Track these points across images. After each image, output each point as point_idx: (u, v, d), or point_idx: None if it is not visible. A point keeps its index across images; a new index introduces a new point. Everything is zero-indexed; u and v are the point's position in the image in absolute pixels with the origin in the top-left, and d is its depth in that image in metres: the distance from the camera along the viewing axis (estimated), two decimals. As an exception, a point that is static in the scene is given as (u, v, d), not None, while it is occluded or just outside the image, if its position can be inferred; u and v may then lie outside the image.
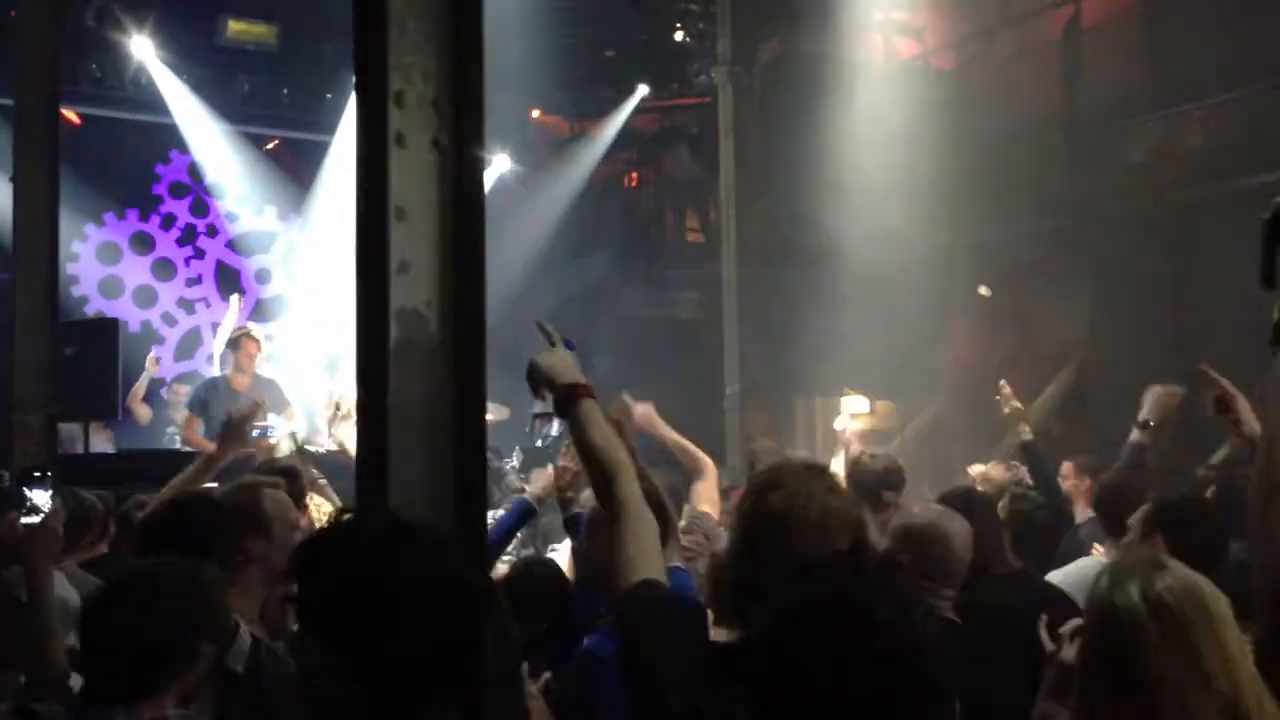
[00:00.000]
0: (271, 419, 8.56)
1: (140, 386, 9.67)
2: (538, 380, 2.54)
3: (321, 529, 1.78)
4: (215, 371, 9.63)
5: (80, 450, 7.69)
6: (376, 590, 1.67)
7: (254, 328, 9.29)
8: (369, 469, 2.39)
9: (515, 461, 9.12)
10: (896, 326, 9.41)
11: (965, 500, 3.89)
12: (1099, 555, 4.45)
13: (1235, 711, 2.05)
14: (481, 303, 2.41)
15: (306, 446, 8.01)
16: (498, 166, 11.85)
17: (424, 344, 2.32)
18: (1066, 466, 5.83)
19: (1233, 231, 8.47)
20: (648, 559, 2.21)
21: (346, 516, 1.86)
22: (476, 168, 2.49)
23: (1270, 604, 2.24)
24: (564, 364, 2.53)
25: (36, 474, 3.14)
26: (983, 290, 10.01)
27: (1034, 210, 9.43)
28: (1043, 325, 9.27)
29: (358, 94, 2.45)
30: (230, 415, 4.86)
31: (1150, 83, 9.11)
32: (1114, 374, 9.50)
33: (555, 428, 2.55)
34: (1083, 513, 5.49)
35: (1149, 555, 2.73)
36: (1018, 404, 5.95)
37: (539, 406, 2.61)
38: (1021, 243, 9.58)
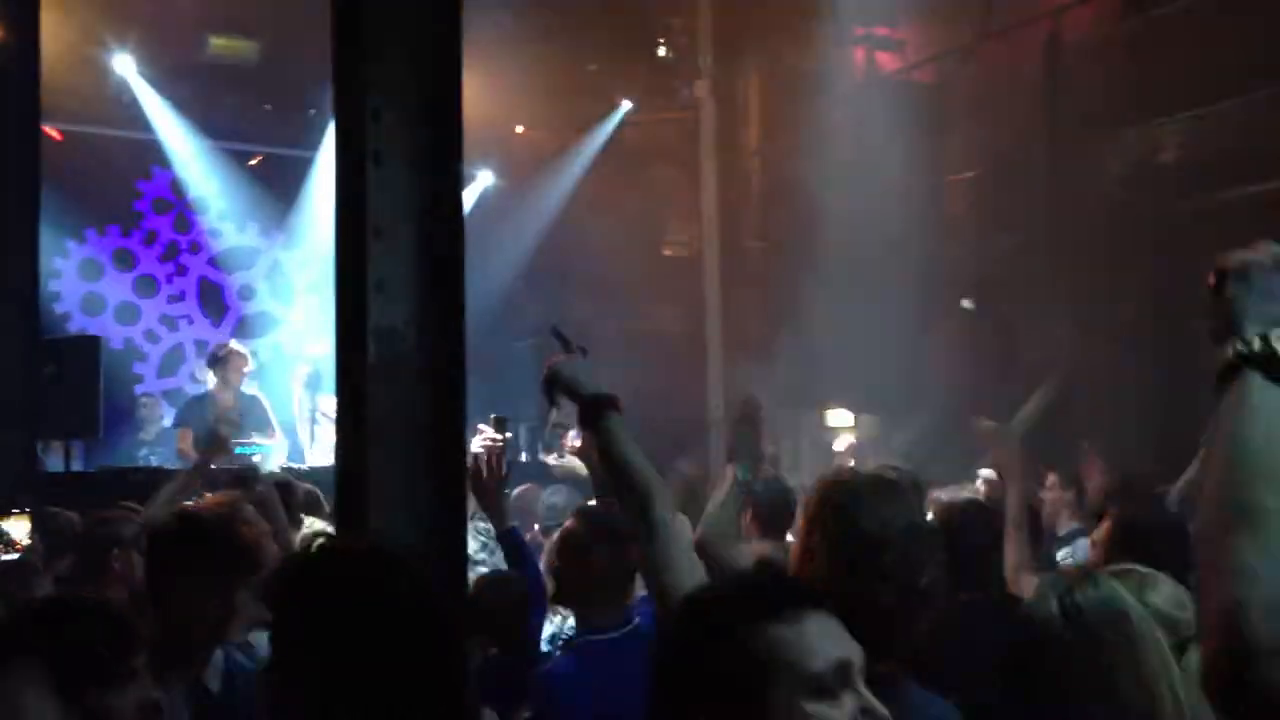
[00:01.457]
0: (256, 438, 8.57)
1: None
2: (558, 388, 2.50)
3: (296, 555, 1.75)
4: (204, 385, 9.62)
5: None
6: (351, 618, 1.65)
7: (238, 345, 9.30)
8: (348, 487, 2.38)
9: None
10: (880, 340, 9.43)
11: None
12: None
13: None
14: (461, 320, 2.41)
15: (291, 465, 8.01)
16: (481, 181, 11.86)
17: (403, 362, 2.32)
18: (1050, 478, 5.84)
19: (1212, 245, 8.54)
20: (685, 576, 2.22)
21: (320, 542, 1.83)
22: (455, 185, 2.49)
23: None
24: (585, 373, 2.50)
25: (14, 510, 3.11)
26: (965, 303, 10.04)
27: (1017, 223, 9.48)
28: (1027, 337, 9.29)
29: (335, 111, 2.45)
30: (211, 425, 4.88)
31: (1130, 96, 9.16)
32: (1096, 387, 9.55)
33: (573, 437, 2.60)
34: (1066, 524, 5.50)
35: (1079, 568, 2.75)
36: (989, 423, 5.94)
37: (555, 416, 2.57)
38: (1004, 255, 9.62)
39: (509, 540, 4.20)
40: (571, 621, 3.78)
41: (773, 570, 1.71)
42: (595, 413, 2.44)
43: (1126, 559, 3.29)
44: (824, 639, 1.62)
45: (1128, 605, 2.21)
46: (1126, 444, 9.00)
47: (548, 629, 4.12)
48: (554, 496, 6.21)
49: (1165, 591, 2.24)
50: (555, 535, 3.82)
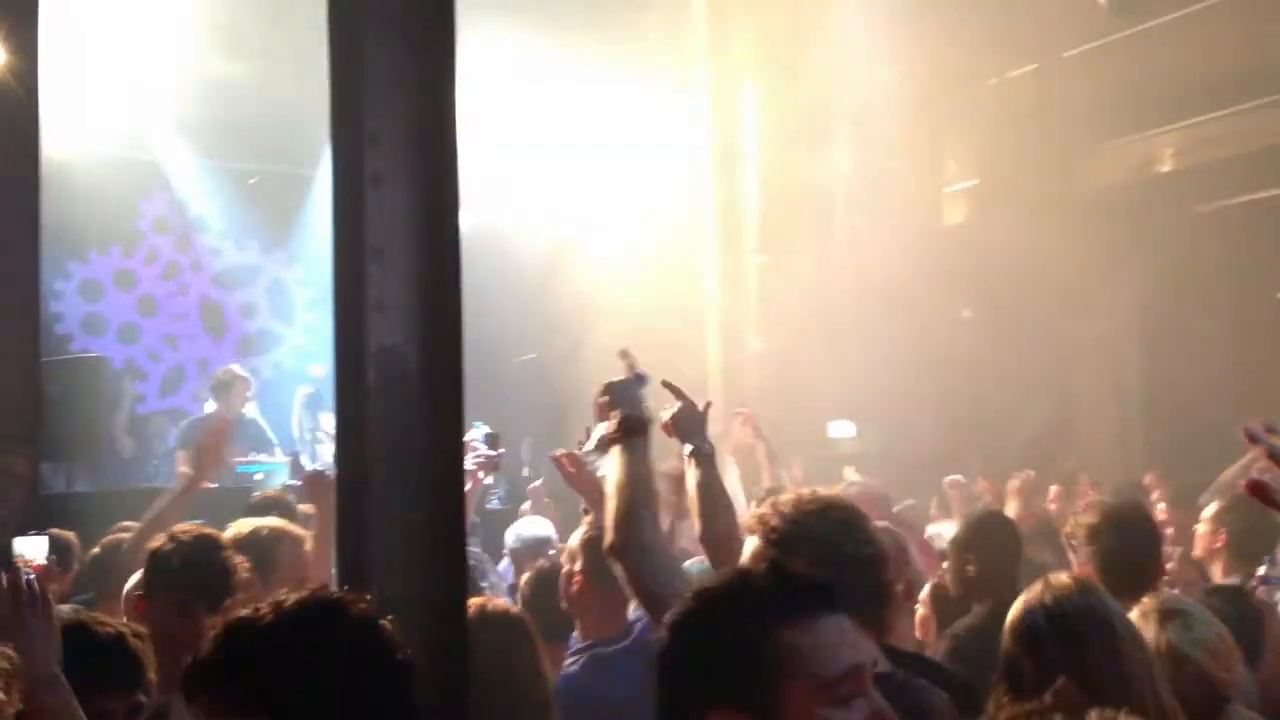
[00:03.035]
0: (260, 457, 8.60)
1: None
2: (615, 404, 2.75)
3: (244, 614, 1.71)
4: (203, 407, 9.66)
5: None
6: (298, 681, 1.63)
7: (240, 370, 9.35)
8: (348, 508, 2.39)
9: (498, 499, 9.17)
10: (882, 351, 9.45)
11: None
12: None
13: None
14: (459, 340, 2.42)
15: (292, 484, 8.03)
16: (479, 199, 11.87)
17: (402, 382, 2.33)
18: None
19: (1207, 252, 8.56)
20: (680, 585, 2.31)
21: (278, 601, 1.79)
22: (453, 206, 2.51)
23: None
24: (635, 393, 2.81)
25: (31, 532, 3.11)
26: (965, 314, 10.06)
27: (1014, 235, 9.49)
28: (1022, 348, 9.30)
29: (333, 134, 2.46)
30: (202, 440, 4.89)
31: (1124, 107, 9.19)
32: (1095, 402, 9.56)
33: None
34: None
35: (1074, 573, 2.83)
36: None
37: (599, 430, 2.80)
38: (1008, 264, 9.64)
39: None
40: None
41: (784, 571, 1.71)
42: (632, 430, 2.68)
43: None
44: (838, 643, 1.63)
45: (1109, 611, 2.27)
46: (1116, 448, 9.03)
47: None
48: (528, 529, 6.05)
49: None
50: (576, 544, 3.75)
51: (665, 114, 11.24)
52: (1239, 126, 8.54)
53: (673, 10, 10.51)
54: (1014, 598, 3.60)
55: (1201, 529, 4.45)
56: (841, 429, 10.10)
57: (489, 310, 9.76)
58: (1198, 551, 4.47)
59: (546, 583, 3.97)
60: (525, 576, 4.28)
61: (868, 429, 9.75)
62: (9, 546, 3.24)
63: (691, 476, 3.11)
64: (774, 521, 2.32)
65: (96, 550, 4.74)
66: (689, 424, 3.11)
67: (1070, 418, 9.76)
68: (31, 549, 3.13)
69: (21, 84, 5.04)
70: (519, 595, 4.22)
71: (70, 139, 9.72)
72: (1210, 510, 4.47)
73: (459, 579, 2.42)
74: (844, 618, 1.65)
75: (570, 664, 3.52)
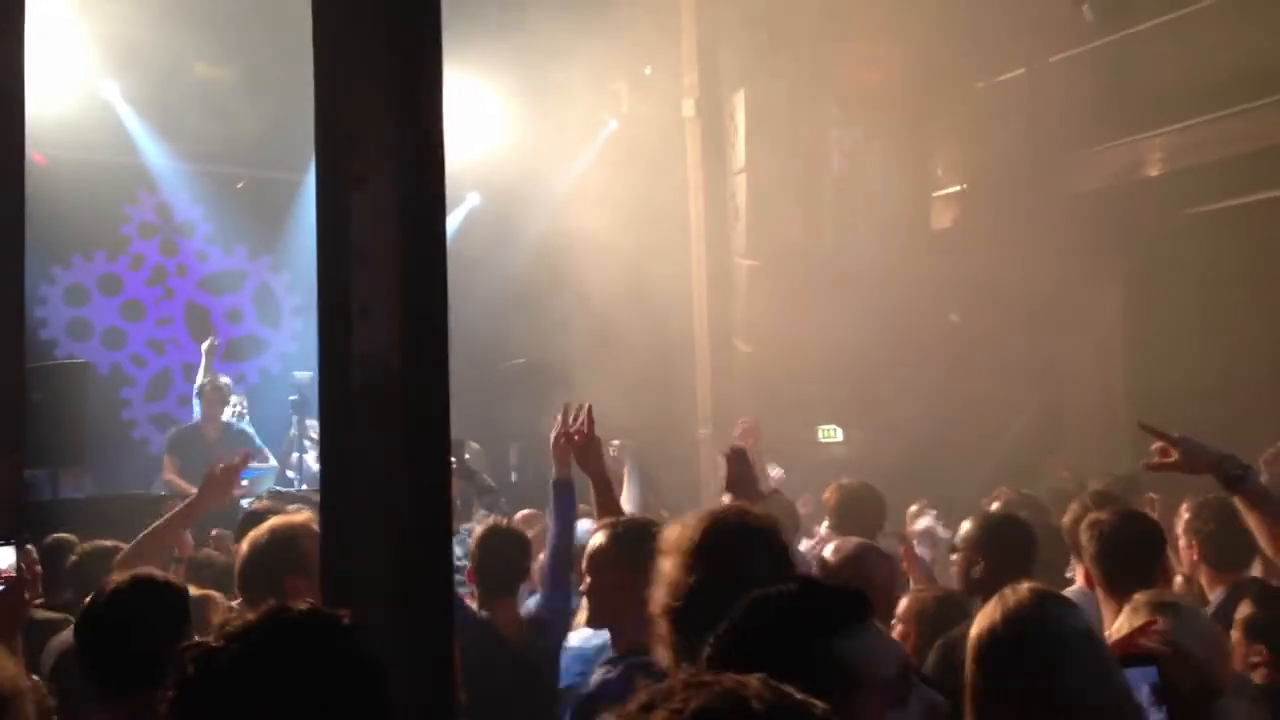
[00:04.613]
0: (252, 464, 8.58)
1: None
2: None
3: (199, 641, 1.70)
4: (190, 412, 9.65)
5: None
6: (258, 699, 1.64)
7: (220, 378, 9.35)
8: (332, 512, 2.37)
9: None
10: (868, 355, 9.46)
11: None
12: None
13: None
14: (445, 345, 2.41)
15: (279, 490, 8.02)
16: (466, 203, 11.88)
17: (387, 388, 2.31)
18: None
19: (1192, 257, 8.59)
20: None
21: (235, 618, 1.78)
22: (438, 209, 2.50)
23: None
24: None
25: (6, 540, 3.08)
26: (953, 318, 10.08)
27: (1007, 237, 9.52)
28: (1009, 352, 9.33)
29: (317, 137, 2.45)
30: (214, 467, 4.87)
31: (1110, 111, 9.22)
32: (1082, 403, 9.58)
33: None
34: None
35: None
36: None
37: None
38: (993, 269, 9.66)
39: None
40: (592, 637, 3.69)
41: (817, 584, 1.74)
42: None
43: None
44: (886, 645, 1.72)
45: (1051, 626, 2.28)
46: (1103, 449, 9.04)
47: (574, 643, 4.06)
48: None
49: None
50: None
51: (652, 117, 11.27)
52: (1225, 130, 8.57)
53: (661, 14, 10.51)
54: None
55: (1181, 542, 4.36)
56: (828, 433, 10.12)
57: (476, 314, 9.78)
58: (1184, 569, 4.41)
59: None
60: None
61: (855, 433, 9.77)
62: None
63: None
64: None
65: (75, 557, 4.72)
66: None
67: (1057, 420, 9.79)
68: (1, 558, 3.10)
69: (6, 87, 5.01)
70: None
71: (55, 142, 9.69)
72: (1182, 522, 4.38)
73: (445, 582, 2.41)
74: (879, 623, 1.73)
75: (608, 673, 3.41)
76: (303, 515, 3.77)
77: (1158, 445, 3.62)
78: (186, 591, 3.00)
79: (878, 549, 3.70)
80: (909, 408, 9.10)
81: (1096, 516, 3.71)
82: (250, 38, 10.26)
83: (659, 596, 2.40)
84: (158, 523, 4.70)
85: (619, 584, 3.39)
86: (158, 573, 3.10)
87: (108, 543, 4.90)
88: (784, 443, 9.40)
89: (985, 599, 3.81)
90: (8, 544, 3.09)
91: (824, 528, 5.79)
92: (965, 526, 4.04)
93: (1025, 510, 4.99)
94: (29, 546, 3.29)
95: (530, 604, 4.33)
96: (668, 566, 2.42)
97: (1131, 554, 3.55)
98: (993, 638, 2.28)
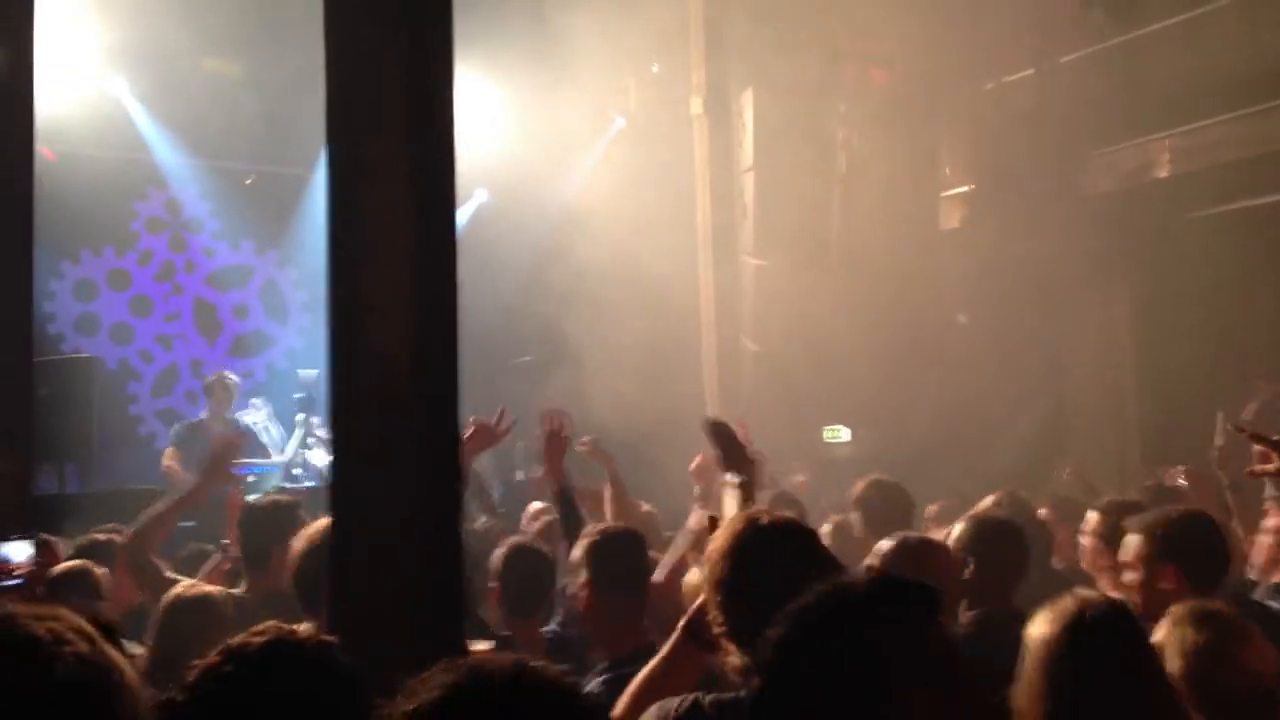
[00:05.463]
0: (256, 460, 8.59)
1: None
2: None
3: (206, 661, 1.73)
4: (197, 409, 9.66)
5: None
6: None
7: (228, 374, 9.35)
8: (342, 509, 2.37)
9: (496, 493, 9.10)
10: (876, 355, 9.45)
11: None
12: None
13: None
14: (454, 341, 2.41)
15: (285, 486, 8.03)
16: (475, 199, 11.88)
17: (396, 384, 2.31)
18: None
19: (1201, 259, 8.56)
20: None
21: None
22: (448, 205, 2.49)
23: None
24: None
25: (14, 536, 3.09)
26: (961, 318, 10.06)
27: (1015, 237, 9.50)
28: (1017, 353, 9.31)
29: (328, 132, 2.45)
30: (211, 452, 4.89)
31: (1120, 112, 9.20)
32: (1089, 406, 9.55)
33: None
34: None
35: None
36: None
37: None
38: (1002, 270, 9.65)
39: None
40: None
41: (889, 578, 1.77)
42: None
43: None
44: (949, 639, 1.73)
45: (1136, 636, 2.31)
46: (1110, 451, 9.02)
47: None
48: None
49: None
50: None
51: (660, 115, 11.26)
52: (1235, 132, 8.54)
53: (669, 11, 10.50)
54: (1006, 609, 3.60)
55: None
56: (834, 433, 10.10)
57: (484, 312, 9.78)
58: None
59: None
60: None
61: (863, 433, 9.75)
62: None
63: (731, 504, 3.28)
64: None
65: (71, 552, 4.74)
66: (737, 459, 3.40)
67: (1064, 421, 9.77)
68: (16, 552, 3.10)
69: (15, 83, 5.02)
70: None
71: (64, 138, 9.71)
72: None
73: (455, 578, 2.40)
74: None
75: (593, 685, 3.40)
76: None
77: (1260, 449, 3.62)
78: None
79: (940, 544, 3.63)
80: (916, 408, 9.09)
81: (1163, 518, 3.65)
82: (259, 33, 10.26)
83: (710, 600, 2.39)
84: (158, 506, 4.70)
85: (588, 597, 3.41)
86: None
87: (101, 536, 4.93)
88: (792, 442, 9.39)
89: (972, 601, 3.81)
90: (23, 539, 3.09)
91: (827, 526, 5.77)
92: (957, 528, 4.01)
93: (1010, 508, 4.94)
94: (53, 540, 3.30)
95: (553, 624, 4.28)
96: (710, 570, 2.41)
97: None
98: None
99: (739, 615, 2.29)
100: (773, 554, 2.33)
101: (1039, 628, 2.47)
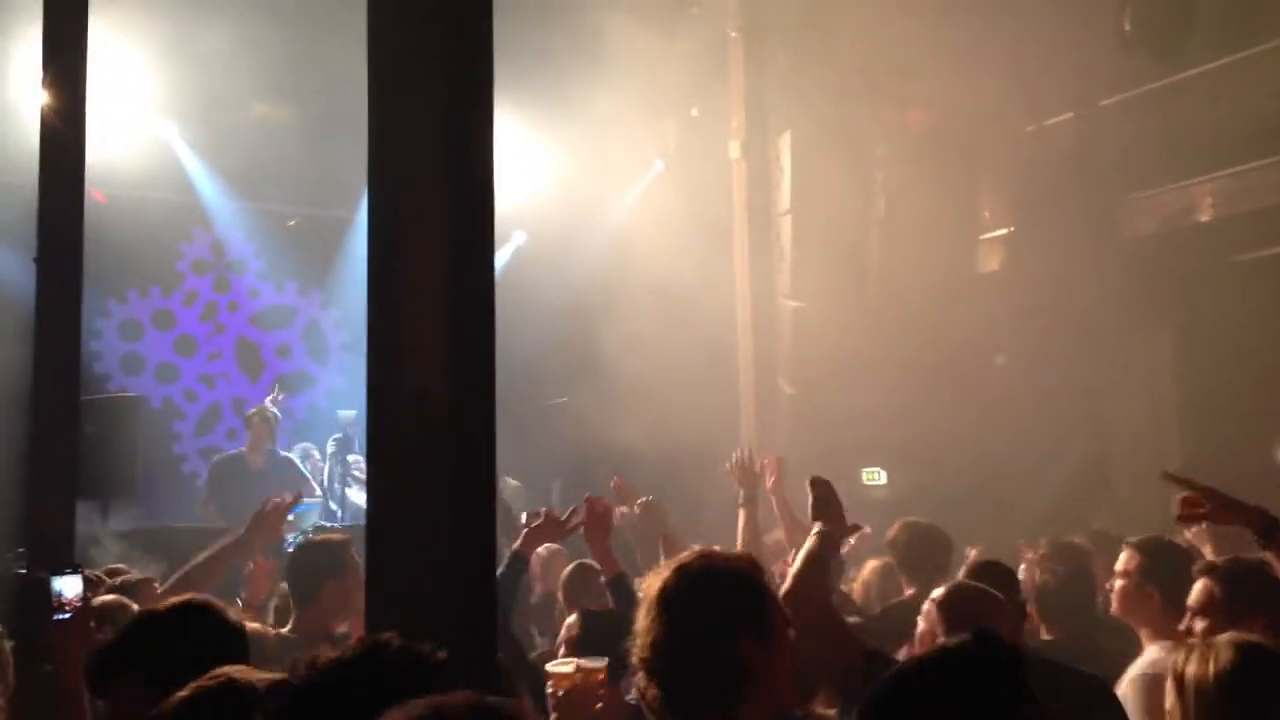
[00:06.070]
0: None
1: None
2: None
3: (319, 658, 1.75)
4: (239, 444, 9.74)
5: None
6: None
7: (270, 406, 9.42)
8: (380, 546, 2.40)
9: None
10: (914, 397, 9.40)
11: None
12: None
13: None
14: (492, 381, 2.43)
15: (324, 525, 8.07)
16: (514, 241, 12.00)
17: (434, 423, 2.34)
18: None
19: (1244, 302, 8.47)
20: None
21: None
22: (487, 248, 2.53)
23: None
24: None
25: (68, 569, 3.14)
26: (999, 361, 10.00)
27: (1054, 280, 9.45)
28: (1056, 395, 9.23)
29: (369, 176, 2.50)
30: (265, 508, 4.92)
31: (1161, 155, 9.16)
32: (1132, 447, 9.44)
33: None
34: None
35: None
36: None
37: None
38: (1041, 312, 9.59)
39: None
40: None
41: (989, 640, 1.79)
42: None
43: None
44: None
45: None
46: (1151, 498, 8.89)
47: None
48: None
49: None
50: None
51: (699, 158, 11.33)
52: (1276, 176, 8.48)
53: (708, 55, 10.60)
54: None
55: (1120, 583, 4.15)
56: (872, 476, 10.04)
57: (520, 352, 9.83)
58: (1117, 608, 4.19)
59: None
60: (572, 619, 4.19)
61: (899, 475, 9.68)
62: (49, 584, 3.27)
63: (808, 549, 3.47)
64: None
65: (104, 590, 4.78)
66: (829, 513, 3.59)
67: (1104, 467, 9.65)
68: (68, 587, 3.15)
69: (67, 126, 5.15)
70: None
71: (115, 181, 9.90)
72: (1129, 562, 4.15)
73: (490, 613, 2.42)
74: None
75: None
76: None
77: (1183, 496, 3.56)
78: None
79: (997, 596, 3.54)
80: (954, 450, 9.02)
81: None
82: (307, 79, 10.45)
83: (637, 649, 2.38)
84: (205, 554, 4.75)
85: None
86: None
87: (133, 576, 4.97)
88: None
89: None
90: (75, 573, 3.14)
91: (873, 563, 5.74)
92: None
93: (1063, 560, 4.83)
94: (95, 575, 3.36)
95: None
96: (640, 619, 2.40)
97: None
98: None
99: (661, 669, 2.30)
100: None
101: (1195, 667, 2.51)
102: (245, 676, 2.04)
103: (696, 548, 4.72)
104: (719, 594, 2.34)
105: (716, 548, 2.71)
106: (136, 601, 4.46)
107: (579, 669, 3.12)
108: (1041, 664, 3.19)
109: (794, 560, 3.48)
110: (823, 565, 3.47)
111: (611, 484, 7.13)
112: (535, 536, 4.60)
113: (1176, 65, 9.08)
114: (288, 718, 1.68)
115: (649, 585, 2.42)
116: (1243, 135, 8.64)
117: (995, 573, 3.71)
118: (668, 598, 2.34)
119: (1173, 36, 8.50)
